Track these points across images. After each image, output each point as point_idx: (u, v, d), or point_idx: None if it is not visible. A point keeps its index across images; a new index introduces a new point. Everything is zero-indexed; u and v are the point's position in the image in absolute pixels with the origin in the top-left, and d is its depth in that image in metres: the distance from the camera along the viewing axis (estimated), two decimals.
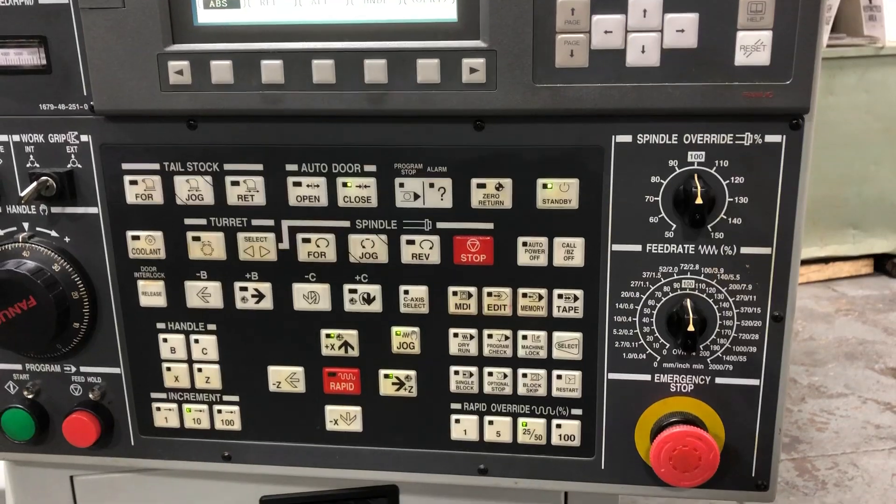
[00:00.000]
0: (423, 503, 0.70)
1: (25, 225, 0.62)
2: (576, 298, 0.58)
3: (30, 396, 0.65)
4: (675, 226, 0.56)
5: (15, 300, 0.59)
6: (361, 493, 0.71)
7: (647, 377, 0.59)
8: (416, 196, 0.58)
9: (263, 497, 0.71)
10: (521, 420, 0.61)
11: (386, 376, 0.62)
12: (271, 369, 0.63)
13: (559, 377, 0.60)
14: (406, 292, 0.60)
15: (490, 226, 0.58)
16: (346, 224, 0.59)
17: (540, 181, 0.56)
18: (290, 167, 0.58)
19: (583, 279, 0.58)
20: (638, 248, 0.57)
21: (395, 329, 0.61)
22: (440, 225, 0.58)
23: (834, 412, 1.90)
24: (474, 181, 0.57)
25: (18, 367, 0.65)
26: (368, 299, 0.60)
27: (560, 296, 0.58)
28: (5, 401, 0.65)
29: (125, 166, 0.59)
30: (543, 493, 0.67)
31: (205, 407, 0.64)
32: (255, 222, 0.60)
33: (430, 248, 0.59)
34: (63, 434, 0.64)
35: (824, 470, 1.68)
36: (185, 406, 0.64)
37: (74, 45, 0.57)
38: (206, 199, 0.59)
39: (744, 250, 0.56)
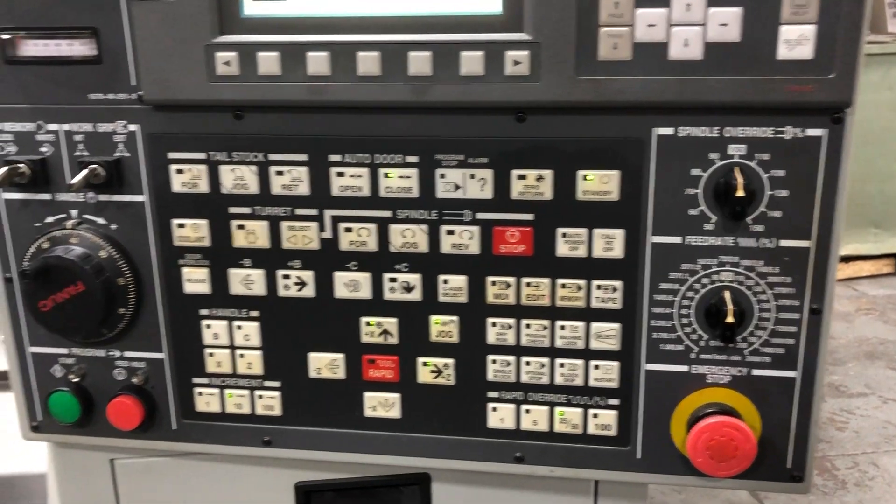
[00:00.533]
0: (455, 491, 0.71)
1: (74, 212, 0.63)
2: (614, 290, 0.59)
3: (75, 380, 0.66)
4: (714, 218, 0.57)
5: (63, 285, 0.61)
6: (394, 481, 0.72)
7: (685, 368, 0.60)
8: (457, 187, 0.59)
9: (298, 483, 0.72)
10: (557, 409, 0.62)
11: (424, 364, 0.63)
12: (312, 356, 0.64)
13: (596, 367, 0.61)
14: (445, 282, 0.61)
15: (530, 217, 0.58)
16: (388, 214, 0.60)
17: (580, 173, 0.57)
18: (334, 158, 0.59)
19: (622, 270, 0.58)
20: (678, 240, 0.57)
21: (433, 318, 0.62)
22: (480, 215, 0.59)
23: (854, 412, 1.90)
24: (515, 172, 0.58)
25: (65, 351, 0.66)
26: (408, 288, 0.61)
27: (599, 287, 0.59)
28: (52, 384, 0.67)
29: (171, 155, 0.61)
30: (573, 483, 0.68)
31: (246, 392, 0.65)
32: (298, 211, 0.61)
33: (470, 238, 0.60)
34: (107, 417, 0.66)
35: (844, 469, 1.67)
36: (227, 391, 0.66)
37: (124, 36, 0.58)
38: (251, 188, 0.60)
39: (783, 243, 0.57)
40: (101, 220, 0.63)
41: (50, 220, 0.63)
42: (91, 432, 0.68)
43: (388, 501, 0.73)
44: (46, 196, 0.63)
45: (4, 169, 0.60)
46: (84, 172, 0.60)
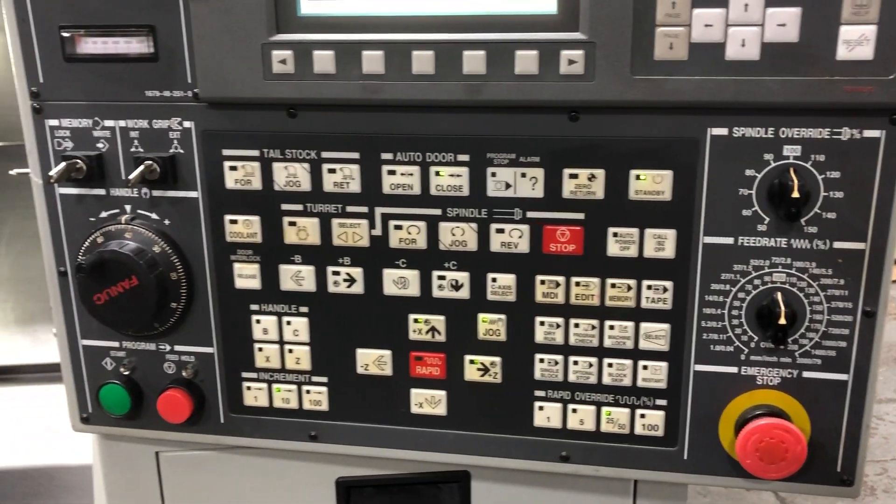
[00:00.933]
0: (494, 489, 0.71)
1: (128, 207, 0.64)
2: (665, 290, 0.59)
3: (126, 373, 0.67)
4: (767, 219, 0.56)
5: (117, 279, 0.62)
6: (433, 478, 0.72)
7: (734, 369, 0.60)
8: (508, 185, 0.59)
9: (339, 478, 0.73)
10: (604, 409, 0.62)
11: (471, 362, 0.63)
12: (360, 352, 0.64)
13: (645, 367, 0.61)
14: (494, 280, 0.61)
15: (581, 216, 0.59)
16: (438, 212, 0.60)
17: (633, 172, 0.57)
18: (386, 156, 0.60)
19: (673, 271, 0.58)
20: (730, 240, 0.57)
21: (481, 316, 0.62)
22: (530, 214, 0.59)
23: (883, 417, 1.87)
24: (566, 171, 0.58)
25: (116, 344, 0.67)
26: (456, 286, 0.62)
27: (649, 287, 0.59)
28: (103, 376, 0.68)
29: (225, 152, 0.61)
30: (612, 483, 0.68)
31: (294, 387, 0.66)
32: (349, 209, 0.61)
33: (520, 237, 0.60)
34: (158, 410, 0.66)
35: (873, 475, 1.66)
36: (275, 386, 0.66)
37: (181, 34, 0.59)
38: (304, 185, 0.61)
39: (837, 245, 0.56)
40: (154, 216, 0.64)
41: (104, 214, 0.64)
42: (140, 425, 0.69)
43: (427, 499, 0.74)
44: (101, 191, 0.64)
45: (62, 164, 0.61)
46: (140, 168, 0.61)
